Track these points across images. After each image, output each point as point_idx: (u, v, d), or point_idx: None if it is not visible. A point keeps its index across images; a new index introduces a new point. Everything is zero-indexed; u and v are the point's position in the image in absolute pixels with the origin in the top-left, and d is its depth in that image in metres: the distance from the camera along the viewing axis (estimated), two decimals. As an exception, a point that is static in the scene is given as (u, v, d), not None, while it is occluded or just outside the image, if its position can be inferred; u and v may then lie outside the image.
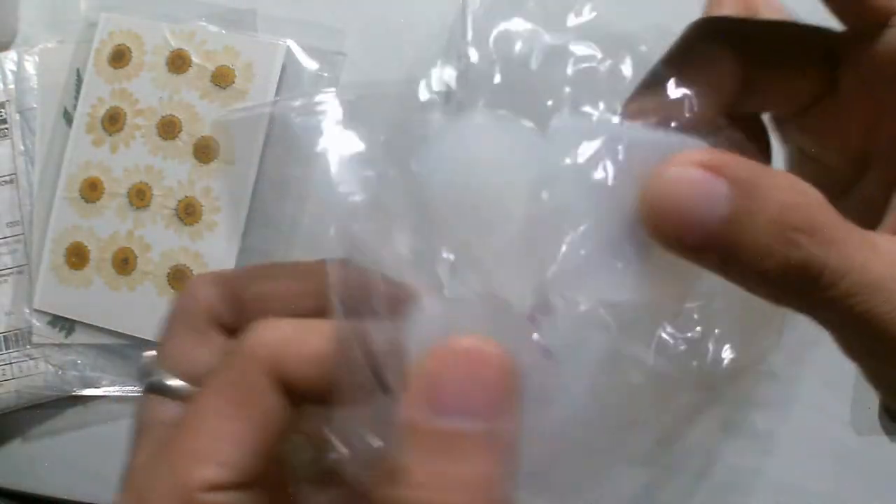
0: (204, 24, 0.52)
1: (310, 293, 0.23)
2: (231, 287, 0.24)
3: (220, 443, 0.19)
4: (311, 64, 0.51)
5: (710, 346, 0.23)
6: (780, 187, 0.18)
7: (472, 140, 0.20)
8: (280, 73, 0.50)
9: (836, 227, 0.18)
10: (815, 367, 0.49)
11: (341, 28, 0.52)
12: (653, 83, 0.20)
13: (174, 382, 0.23)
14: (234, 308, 0.23)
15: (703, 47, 0.20)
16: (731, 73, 0.20)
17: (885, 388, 0.21)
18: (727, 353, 0.23)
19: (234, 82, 0.50)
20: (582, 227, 0.19)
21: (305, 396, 0.20)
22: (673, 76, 0.20)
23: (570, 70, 0.23)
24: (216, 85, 0.50)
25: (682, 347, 0.22)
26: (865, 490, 0.49)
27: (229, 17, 0.52)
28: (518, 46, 0.24)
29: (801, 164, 0.24)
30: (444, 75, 0.25)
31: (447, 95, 0.24)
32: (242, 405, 0.20)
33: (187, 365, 0.23)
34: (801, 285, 0.18)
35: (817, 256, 0.17)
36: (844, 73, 0.21)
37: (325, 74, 0.51)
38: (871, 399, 0.49)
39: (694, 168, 0.17)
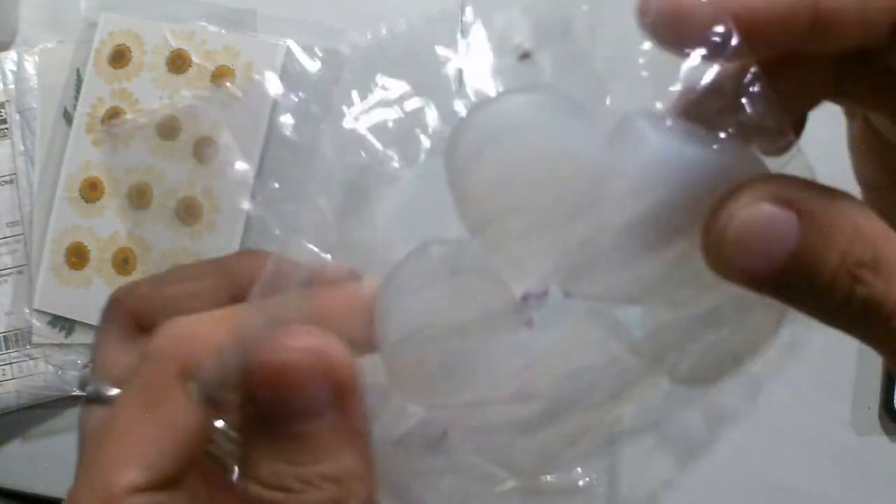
0: (204, 24, 0.52)
1: (227, 287, 0.23)
2: (151, 290, 0.24)
3: (137, 447, 0.19)
4: (311, 64, 0.51)
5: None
6: (848, 220, 0.17)
7: (521, 116, 0.20)
8: (280, 73, 0.50)
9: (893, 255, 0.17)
10: (815, 367, 0.49)
11: (341, 28, 0.52)
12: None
13: (109, 390, 0.23)
14: (155, 311, 0.23)
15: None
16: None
17: None
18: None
19: (233, 82, 0.50)
20: (608, 232, 0.19)
21: (222, 388, 0.20)
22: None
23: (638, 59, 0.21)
24: (216, 85, 0.50)
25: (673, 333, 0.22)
26: (865, 490, 0.49)
27: (229, 17, 0.52)
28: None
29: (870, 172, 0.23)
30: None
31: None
32: (153, 407, 0.20)
33: (117, 372, 0.23)
34: (864, 318, 0.18)
35: (880, 290, 0.17)
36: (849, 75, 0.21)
37: (325, 74, 0.51)
38: (872, 399, 0.49)
39: (764, 203, 0.17)
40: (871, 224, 0.17)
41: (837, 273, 0.17)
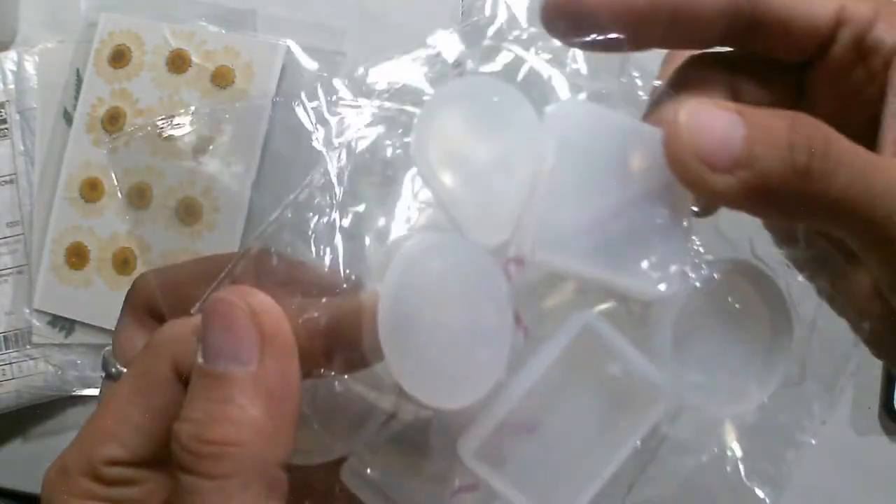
0: (204, 24, 0.52)
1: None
2: (170, 280, 0.26)
3: (123, 426, 0.21)
4: (311, 64, 0.51)
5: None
6: (785, 115, 0.19)
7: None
8: (280, 73, 0.50)
9: (844, 149, 0.19)
10: (815, 367, 0.49)
11: (341, 28, 0.52)
12: (660, 102, 0.22)
13: (121, 369, 0.25)
14: (173, 299, 0.25)
15: (698, 72, 0.23)
16: (721, 90, 0.22)
17: None
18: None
19: (234, 82, 0.50)
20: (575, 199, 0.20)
21: None
22: (677, 94, 0.22)
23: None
24: (216, 85, 0.50)
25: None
26: (865, 490, 0.49)
27: (229, 17, 0.52)
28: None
29: None
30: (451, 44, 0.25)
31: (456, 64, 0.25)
32: (145, 394, 0.21)
33: (130, 354, 0.25)
34: (815, 202, 0.19)
35: (827, 173, 0.19)
36: (810, 80, 0.23)
37: (325, 74, 0.51)
38: (872, 399, 0.49)
39: (707, 104, 0.19)
40: (807, 118, 0.20)
41: (787, 160, 0.19)
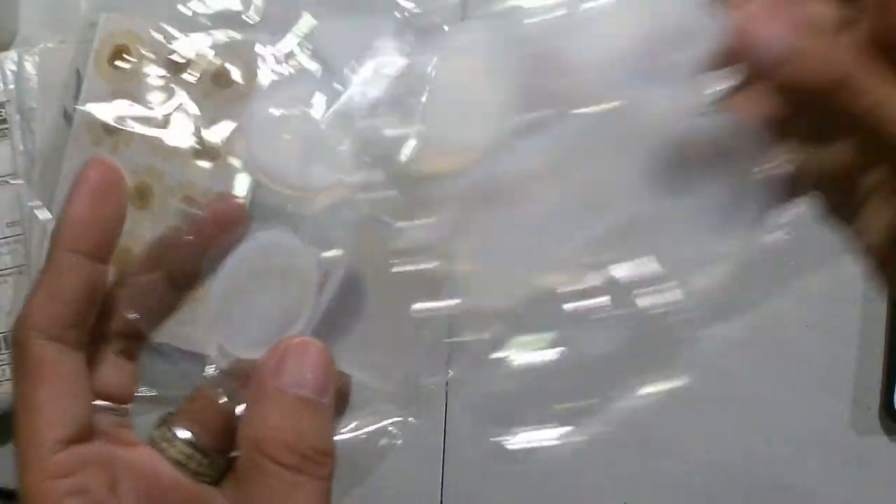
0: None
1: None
2: None
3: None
4: (311, 64, 0.51)
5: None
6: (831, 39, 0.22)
7: None
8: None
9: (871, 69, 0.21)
10: (815, 367, 0.49)
11: (341, 28, 0.52)
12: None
13: None
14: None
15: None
16: None
17: None
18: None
19: (234, 82, 0.50)
20: None
21: None
22: None
23: None
24: (217, 85, 0.50)
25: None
26: (865, 490, 0.49)
27: (229, 17, 0.52)
28: None
29: None
30: None
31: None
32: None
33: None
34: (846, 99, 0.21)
35: (864, 83, 0.21)
36: None
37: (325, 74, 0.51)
38: (872, 399, 0.49)
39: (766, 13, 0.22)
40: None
41: (828, 55, 0.22)
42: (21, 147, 0.52)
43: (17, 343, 0.25)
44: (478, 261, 0.24)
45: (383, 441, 0.29)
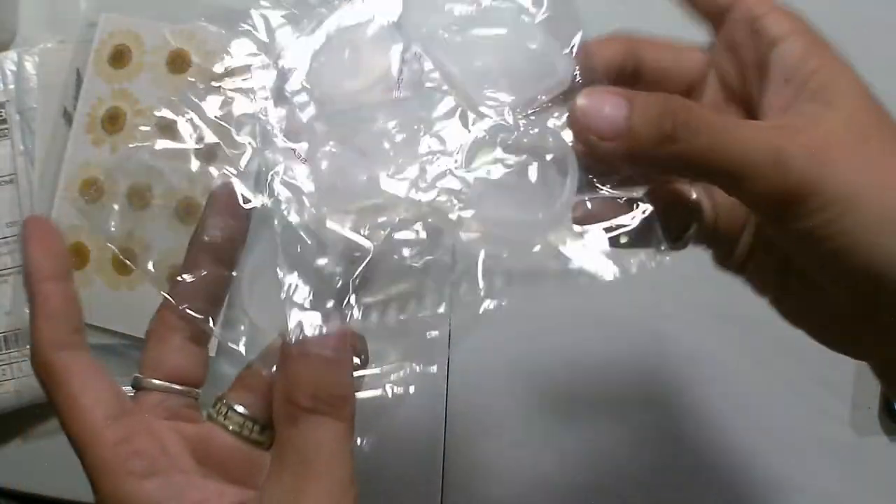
0: (204, 24, 0.52)
1: None
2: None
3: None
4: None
5: None
6: (658, 97, 0.26)
7: None
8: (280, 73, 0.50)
9: (704, 118, 0.26)
10: (815, 367, 0.49)
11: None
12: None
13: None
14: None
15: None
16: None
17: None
18: None
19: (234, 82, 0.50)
20: None
21: None
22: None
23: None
24: (217, 85, 0.50)
25: None
26: (865, 490, 0.49)
27: (229, 17, 0.52)
28: None
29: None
30: None
31: None
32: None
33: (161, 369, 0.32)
34: (681, 159, 0.26)
35: (688, 136, 0.26)
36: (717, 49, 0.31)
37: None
38: (872, 399, 0.49)
39: (601, 90, 0.26)
40: (676, 98, 0.26)
41: (658, 130, 0.25)
42: (21, 147, 0.52)
43: (39, 363, 0.29)
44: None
45: (393, 390, 0.33)
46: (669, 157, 0.26)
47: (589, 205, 0.29)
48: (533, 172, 0.29)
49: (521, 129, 0.29)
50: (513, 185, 0.29)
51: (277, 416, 0.28)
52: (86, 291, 0.49)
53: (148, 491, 0.27)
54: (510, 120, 0.29)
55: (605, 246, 0.29)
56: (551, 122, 0.29)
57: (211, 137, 0.37)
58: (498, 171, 0.29)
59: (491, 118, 0.29)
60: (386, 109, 0.30)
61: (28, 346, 0.50)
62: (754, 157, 0.25)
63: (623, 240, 0.29)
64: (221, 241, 0.33)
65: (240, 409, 0.31)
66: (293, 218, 0.30)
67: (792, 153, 0.26)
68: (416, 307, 0.30)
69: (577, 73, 0.30)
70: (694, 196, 0.32)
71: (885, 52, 0.51)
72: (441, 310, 0.30)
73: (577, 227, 0.29)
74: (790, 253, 0.29)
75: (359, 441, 0.30)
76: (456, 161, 0.29)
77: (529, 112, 0.30)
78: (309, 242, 0.30)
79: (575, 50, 0.30)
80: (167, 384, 0.31)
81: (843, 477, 0.49)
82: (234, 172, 0.35)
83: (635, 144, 0.26)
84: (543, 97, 0.30)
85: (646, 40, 0.31)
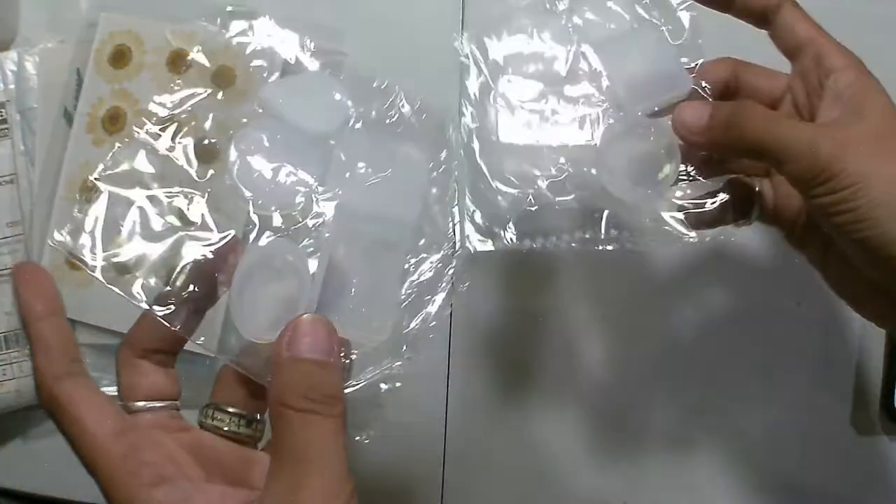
0: (204, 24, 0.52)
1: None
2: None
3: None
4: (311, 64, 0.51)
5: None
6: (730, 103, 0.36)
7: None
8: (280, 73, 0.50)
9: (755, 114, 0.35)
10: (815, 367, 0.49)
11: (341, 28, 0.52)
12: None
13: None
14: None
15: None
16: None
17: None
18: None
19: (234, 82, 0.50)
20: None
21: None
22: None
23: None
24: (216, 85, 0.50)
25: None
26: (865, 489, 0.49)
27: (229, 17, 0.52)
28: None
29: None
30: None
31: None
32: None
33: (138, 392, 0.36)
34: (740, 143, 0.36)
35: (740, 126, 0.35)
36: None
37: (325, 74, 0.51)
38: (872, 399, 0.49)
39: (694, 103, 0.37)
40: (745, 102, 0.37)
41: (728, 126, 0.35)
42: (21, 147, 0.52)
43: (44, 397, 0.32)
44: None
45: (385, 386, 0.35)
46: (735, 140, 0.35)
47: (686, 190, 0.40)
48: (650, 158, 0.38)
49: (646, 125, 0.39)
50: (634, 165, 0.38)
51: (273, 418, 0.30)
52: (86, 291, 0.49)
53: (158, 498, 0.29)
54: (639, 117, 0.39)
55: (693, 219, 0.39)
56: (666, 122, 0.38)
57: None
58: (625, 155, 0.38)
59: (625, 114, 0.39)
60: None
61: (28, 346, 0.50)
62: (795, 143, 0.34)
63: (706, 217, 0.39)
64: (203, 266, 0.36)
65: (229, 408, 0.35)
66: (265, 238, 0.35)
67: (823, 143, 0.33)
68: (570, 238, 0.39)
69: (694, 87, 0.40)
70: (757, 188, 0.41)
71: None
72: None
73: (675, 201, 0.39)
74: (826, 230, 0.35)
75: (358, 437, 0.33)
76: (595, 142, 0.39)
77: (654, 112, 0.39)
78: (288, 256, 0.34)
79: (696, 70, 0.40)
80: (150, 403, 0.34)
81: (843, 477, 0.49)
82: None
83: (712, 135, 0.36)
84: (666, 104, 0.39)
85: (745, 64, 0.41)
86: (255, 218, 0.36)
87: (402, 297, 0.35)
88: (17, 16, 0.55)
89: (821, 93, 0.37)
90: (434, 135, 0.39)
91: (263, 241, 0.35)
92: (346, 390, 0.33)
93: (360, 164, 0.36)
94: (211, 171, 0.38)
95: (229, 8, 0.52)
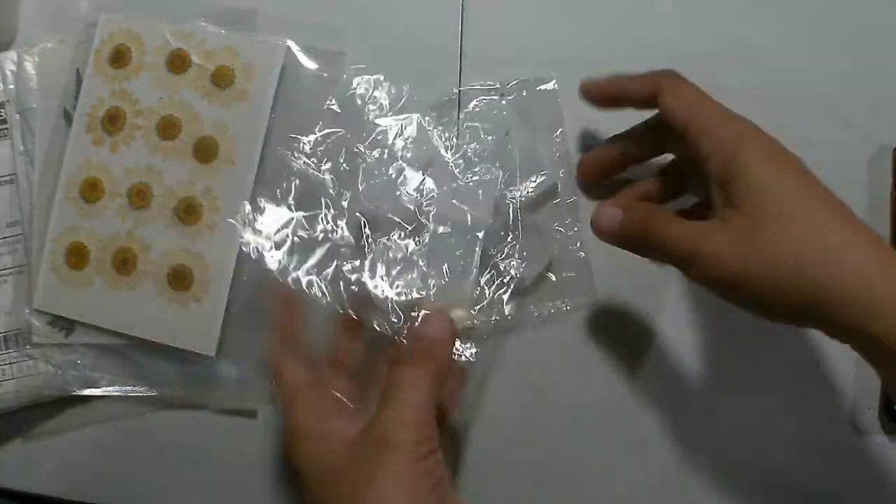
0: (204, 24, 0.52)
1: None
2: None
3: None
4: (311, 64, 0.51)
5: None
6: (639, 208, 0.42)
7: None
8: (280, 73, 0.50)
9: (664, 221, 0.40)
10: (815, 367, 0.49)
11: (341, 28, 0.52)
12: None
13: None
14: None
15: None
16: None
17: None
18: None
19: (233, 82, 0.50)
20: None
21: None
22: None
23: None
24: (216, 85, 0.50)
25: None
26: (865, 490, 0.49)
27: (229, 17, 0.52)
28: None
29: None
30: None
31: None
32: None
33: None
34: (648, 251, 0.42)
35: (647, 237, 0.41)
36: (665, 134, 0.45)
37: (325, 74, 0.51)
38: (872, 399, 0.49)
39: (607, 204, 0.43)
40: (650, 208, 0.42)
41: (638, 228, 0.41)
42: (21, 147, 0.52)
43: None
44: None
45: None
46: (647, 244, 0.41)
47: None
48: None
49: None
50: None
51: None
52: (85, 291, 0.49)
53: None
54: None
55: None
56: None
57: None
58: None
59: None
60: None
61: (28, 346, 0.50)
62: (685, 253, 0.39)
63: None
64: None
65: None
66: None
67: (698, 255, 0.38)
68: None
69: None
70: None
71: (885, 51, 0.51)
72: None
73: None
74: None
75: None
76: None
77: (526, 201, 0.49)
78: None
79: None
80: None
81: (843, 477, 0.49)
82: None
83: (625, 236, 0.42)
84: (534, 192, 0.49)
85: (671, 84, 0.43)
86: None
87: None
88: (16, 16, 0.55)
89: (711, 179, 0.39)
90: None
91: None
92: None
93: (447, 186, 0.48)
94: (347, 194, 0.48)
95: (229, 8, 0.52)
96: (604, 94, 0.45)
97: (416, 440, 0.37)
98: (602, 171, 0.49)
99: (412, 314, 0.44)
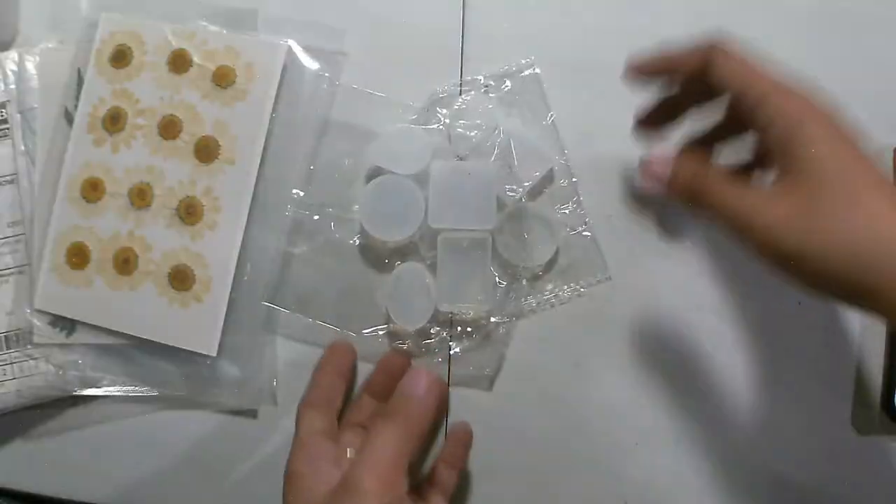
0: (205, 23, 0.52)
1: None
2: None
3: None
4: (311, 64, 0.51)
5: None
6: (693, 162, 0.42)
7: None
8: (281, 73, 0.50)
9: (719, 181, 0.40)
10: (815, 367, 0.49)
11: (342, 28, 0.52)
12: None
13: None
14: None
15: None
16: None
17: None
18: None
19: (234, 82, 0.50)
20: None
21: None
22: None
23: None
24: (217, 85, 0.50)
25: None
26: (865, 490, 0.49)
27: (230, 17, 0.52)
28: None
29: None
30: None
31: None
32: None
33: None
34: (697, 201, 0.41)
35: (701, 194, 0.41)
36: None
37: (326, 74, 0.51)
38: (872, 399, 0.49)
39: (659, 153, 0.43)
40: (701, 165, 0.42)
41: (688, 180, 0.41)
42: (22, 147, 0.52)
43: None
44: None
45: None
46: (693, 205, 0.41)
47: None
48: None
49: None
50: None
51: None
52: (86, 291, 0.49)
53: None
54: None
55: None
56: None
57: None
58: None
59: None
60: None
61: (29, 346, 0.50)
62: (738, 218, 0.38)
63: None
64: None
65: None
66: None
67: (756, 221, 0.37)
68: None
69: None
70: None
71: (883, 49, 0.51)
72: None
73: None
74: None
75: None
76: None
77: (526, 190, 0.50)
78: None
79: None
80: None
81: (842, 477, 0.49)
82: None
83: (672, 190, 0.42)
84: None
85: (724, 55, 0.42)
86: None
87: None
88: (17, 16, 0.55)
89: (769, 147, 0.39)
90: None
91: (405, 265, 0.49)
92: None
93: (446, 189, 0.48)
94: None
95: (230, 8, 0.52)
96: (653, 68, 0.43)
97: (379, 491, 0.40)
98: (657, 118, 0.47)
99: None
